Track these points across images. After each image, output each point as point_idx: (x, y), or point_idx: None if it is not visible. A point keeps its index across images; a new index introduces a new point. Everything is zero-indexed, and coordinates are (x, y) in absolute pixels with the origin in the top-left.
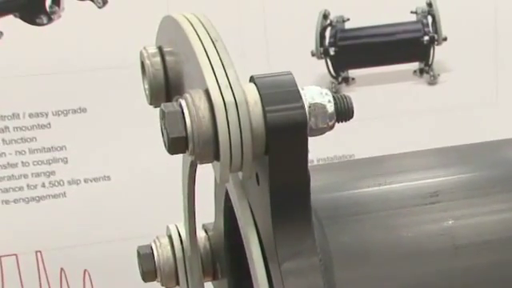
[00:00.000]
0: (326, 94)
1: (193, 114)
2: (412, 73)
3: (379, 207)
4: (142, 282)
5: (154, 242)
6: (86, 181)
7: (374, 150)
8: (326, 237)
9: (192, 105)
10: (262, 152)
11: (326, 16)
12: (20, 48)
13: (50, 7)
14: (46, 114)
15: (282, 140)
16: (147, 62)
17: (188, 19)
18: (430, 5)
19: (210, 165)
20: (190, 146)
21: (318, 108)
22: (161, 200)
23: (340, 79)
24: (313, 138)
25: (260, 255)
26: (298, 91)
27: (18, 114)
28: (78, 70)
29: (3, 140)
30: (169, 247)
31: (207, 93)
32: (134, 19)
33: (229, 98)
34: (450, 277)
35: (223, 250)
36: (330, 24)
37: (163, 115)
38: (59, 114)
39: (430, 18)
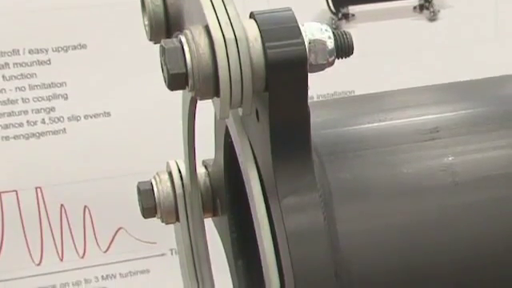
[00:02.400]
0: (326, 30)
1: (193, 50)
2: (412, 9)
3: (379, 143)
4: (142, 218)
5: (154, 178)
6: (85, 117)
7: (374, 86)
8: (325, 173)
9: (192, 41)
10: (262, 88)
11: None
12: None
13: None
14: (46, 51)
15: (281, 76)
16: None
17: None
18: None
19: (210, 101)
20: (190, 82)
21: (317, 44)
22: (161, 136)
23: (340, 15)
24: (313, 74)
25: (260, 191)
26: (298, 27)
27: (18, 50)
28: (78, 5)
29: (3, 76)
30: (169, 183)
31: (207, 29)
32: None
33: (229, 34)
34: (450, 213)
35: (223, 187)
36: None
37: (163, 51)
38: (59, 51)
39: None
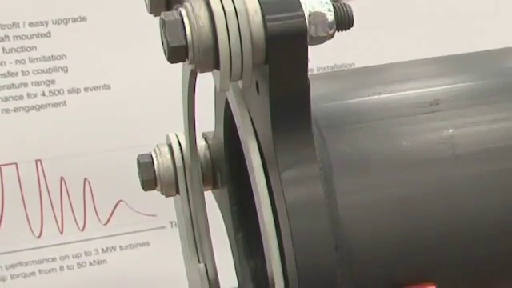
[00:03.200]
0: (326, 2)
1: (193, 22)
2: None
3: (379, 116)
4: (142, 190)
5: (154, 150)
6: (85, 90)
7: (374, 58)
8: (326, 146)
9: (192, 13)
10: (262, 61)
11: None
12: None
13: None
14: (46, 23)
15: (281, 49)
16: None
17: None
18: None
19: (210, 73)
20: (190, 54)
21: (317, 17)
22: (161, 109)
23: None
24: (313, 46)
25: (260, 164)
26: (298, 0)
27: (18, 23)
28: None
29: (3, 49)
30: (169, 156)
31: (207, 2)
32: None
33: (229, 7)
34: (450, 185)
35: (223, 159)
36: None
37: (163, 24)
38: (59, 23)
39: None
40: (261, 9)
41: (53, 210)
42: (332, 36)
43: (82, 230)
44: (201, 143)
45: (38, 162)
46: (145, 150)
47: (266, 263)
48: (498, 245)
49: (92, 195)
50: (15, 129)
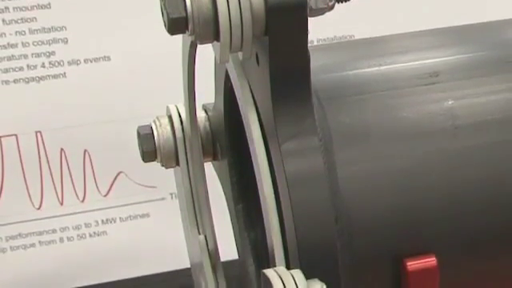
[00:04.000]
0: None
1: None
2: None
3: (379, 87)
4: (142, 162)
5: (154, 122)
6: (85, 61)
7: (374, 30)
8: (325, 117)
9: None
10: (262, 32)
11: None
12: None
13: None
14: None
15: (281, 20)
16: None
17: None
18: None
19: (210, 45)
20: (190, 26)
21: None
22: (161, 80)
23: None
24: (313, 18)
25: (260, 135)
26: None
27: None
28: None
29: (3, 20)
30: (169, 127)
31: None
32: None
33: None
34: (450, 157)
35: (223, 131)
36: None
37: None
38: None
39: None
40: None
41: (53, 181)
42: (332, 8)
43: (82, 201)
44: (201, 115)
45: (38, 134)
46: (145, 121)
47: (266, 234)
48: (498, 216)
49: (92, 167)
50: (15, 100)
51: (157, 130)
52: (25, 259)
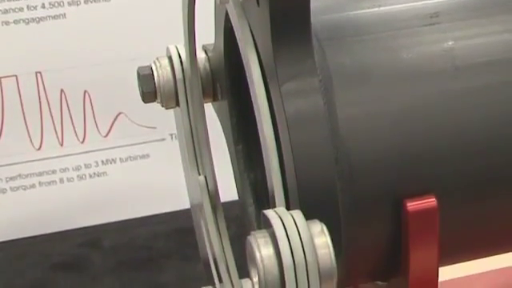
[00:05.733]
0: None
1: None
2: None
3: (379, 28)
4: (142, 103)
5: (154, 63)
6: (85, 2)
7: None
8: (325, 58)
9: None
10: None
11: None
12: None
13: None
14: None
15: None
16: None
17: None
18: None
19: None
20: None
21: None
22: (161, 21)
23: None
24: None
25: (260, 76)
26: None
27: None
28: None
29: None
30: (169, 68)
31: None
32: None
33: None
34: (450, 97)
35: (223, 71)
36: None
37: None
38: None
39: None
40: None
41: (53, 122)
42: None
43: (82, 142)
44: (201, 55)
45: (38, 75)
46: (145, 62)
47: (266, 175)
48: (497, 157)
49: (92, 107)
50: (15, 41)
51: (157, 71)
52: (25, 200)
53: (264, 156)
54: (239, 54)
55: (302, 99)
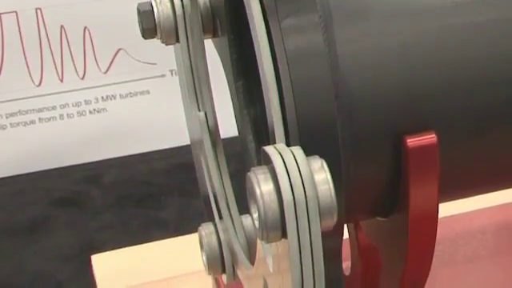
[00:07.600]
0: None
1: None
2: None
3: None
4: (142, 39)
5: None
6: None
7: None
8: None
9: None
10: None
11: None
12: None
13: None
14: None
15: None
16: None
17: None
18: None
19: None
20: None
21: None
22: None
23: None
24: None
25: (260, 12)
26: None
27: None
28: None
29: None
30: (169, 4)
31: None
32: None
33: None
34: (450, 34)
35: (223, 7)
36: None
37: None
38: None
39: None
40: None
41: (53, 58)
42: None
43: (82, 78)
44: None
45: (38, 11)
46: None
47: (266, 112)
48: (497, 93)
49: (92, 44)
50: None
51: (157, 7)
52: (24, 136)
53: (264, 92)
54: None
55: (301, 35)
